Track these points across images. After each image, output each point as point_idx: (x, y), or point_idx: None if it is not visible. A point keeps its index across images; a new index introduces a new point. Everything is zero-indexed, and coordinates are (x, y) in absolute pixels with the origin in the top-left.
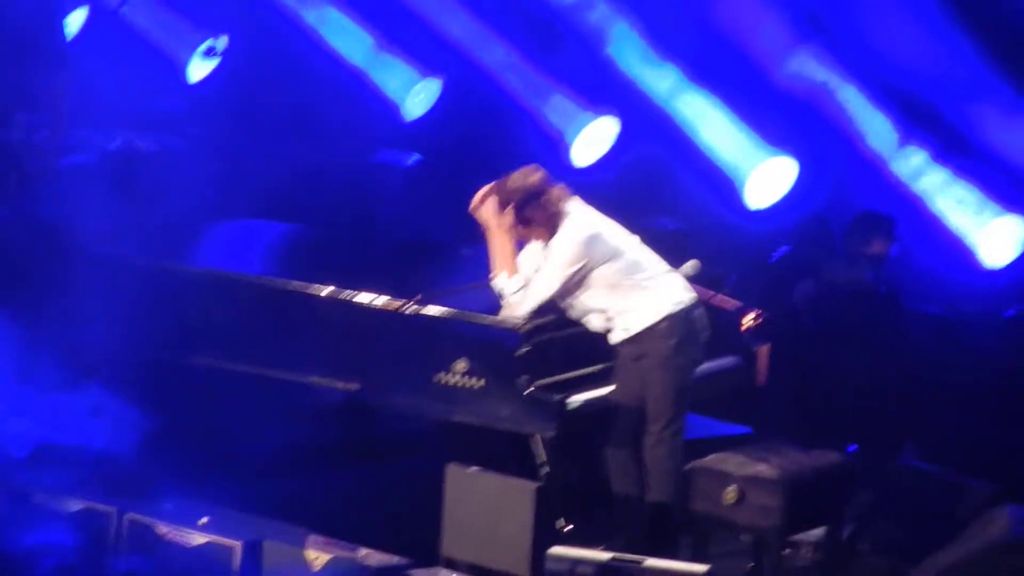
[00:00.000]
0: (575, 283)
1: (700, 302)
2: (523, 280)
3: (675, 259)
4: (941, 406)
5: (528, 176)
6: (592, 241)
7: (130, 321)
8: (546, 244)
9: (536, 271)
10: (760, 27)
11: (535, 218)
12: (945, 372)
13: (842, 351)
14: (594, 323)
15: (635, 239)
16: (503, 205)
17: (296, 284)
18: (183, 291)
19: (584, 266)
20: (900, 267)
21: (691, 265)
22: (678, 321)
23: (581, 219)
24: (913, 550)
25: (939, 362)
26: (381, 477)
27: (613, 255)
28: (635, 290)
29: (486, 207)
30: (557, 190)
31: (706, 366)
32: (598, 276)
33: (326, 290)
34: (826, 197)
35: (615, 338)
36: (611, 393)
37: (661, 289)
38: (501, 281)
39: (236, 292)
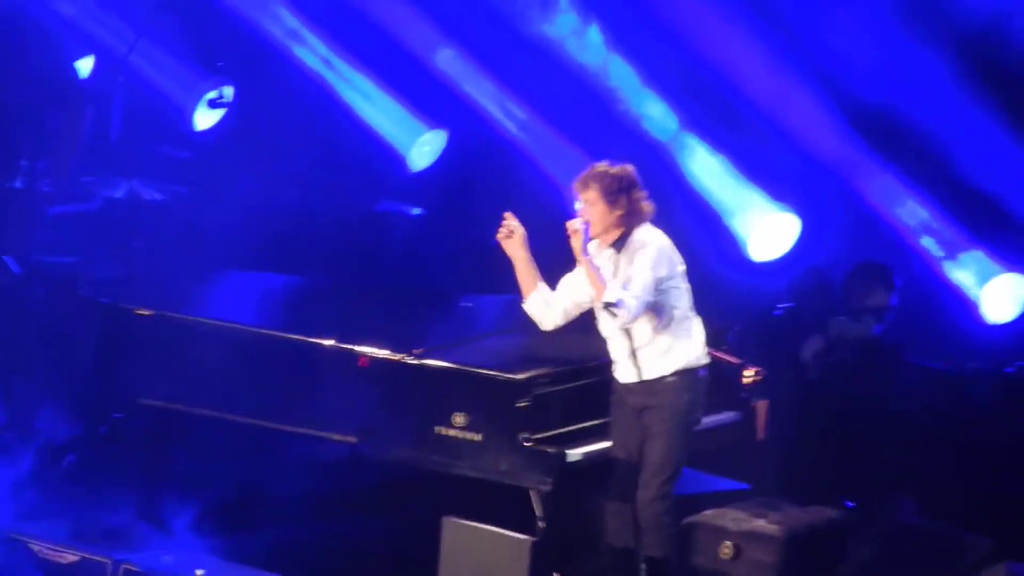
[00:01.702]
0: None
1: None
2: (619, 286)
3: None
4: (941, 461)
5: (621, 167)
6: (672, 252)
7: (129, 370)
8: (614, 246)
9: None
10: (755, 72)
11: (622, 204)
12: (946, 427)
13: (845, 406)
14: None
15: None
16: (590, 182)
17: (297, 336)
18: (186, 341)
19: (666, 275)
20: (901, 320)
21: None
22: (695, 377)
23: (658, 231)
24: None
25: (940, 417)
26: (378, 528)
27: (680, 276)
28: (682, 323)
29: (515, 238)
30: (638, 198)
31: (706, 421)
32: (669, 288)
33: (327, 341)
34: (828, 252)
35: (629, 376)
36: (611, 444)
37: (696, 335)
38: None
39: (237, 342)
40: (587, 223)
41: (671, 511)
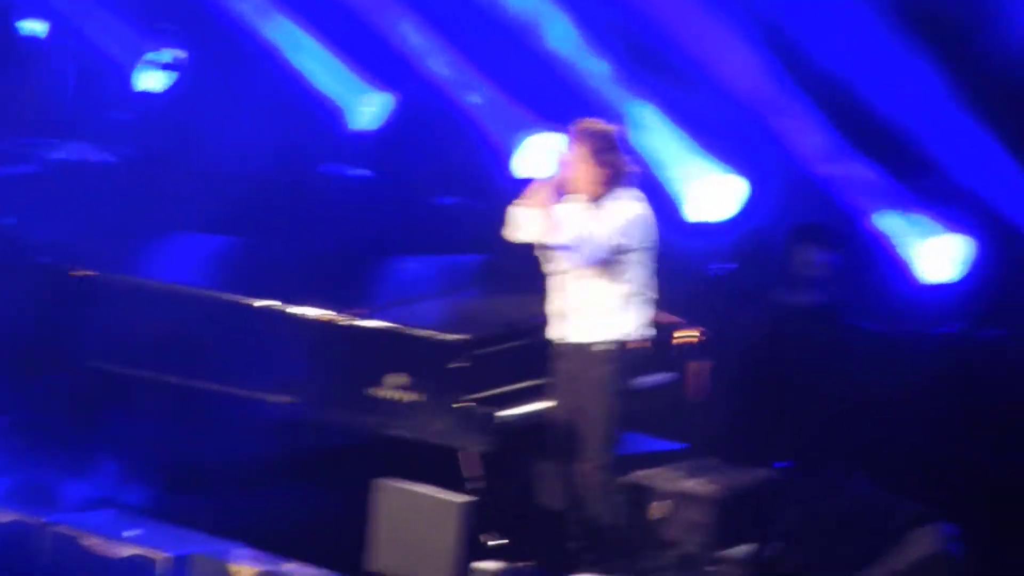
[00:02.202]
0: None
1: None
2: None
3: None
4: (874, 422)
5: (614, 128)
6: (645, 226)
7: (67, 331)
8: (593, 202)
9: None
10: (711, 38)
11: (608, 164)
12: (879, 388)
13: (784, 370)
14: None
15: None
16: (580, 138)
17: (231, 296)
18: (119, 301)
19: (629, 244)
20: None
21: None
22: (623, 351)
23: (642, 199)
24: (841, 567)
25: (873, 378)
26: (311, 490)
27: (643, 252)
28: (629, 299)
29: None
30: (621, 162)
31: (641, 380)
32: (629, 259)
33: (260, 302)
34: (768, 213)
35: (558, 334)
36: (549, 406)
37: (637, 315)
38: (564, 237)
39: (172, 303)
40: (563, 176)
41: (611, 481)
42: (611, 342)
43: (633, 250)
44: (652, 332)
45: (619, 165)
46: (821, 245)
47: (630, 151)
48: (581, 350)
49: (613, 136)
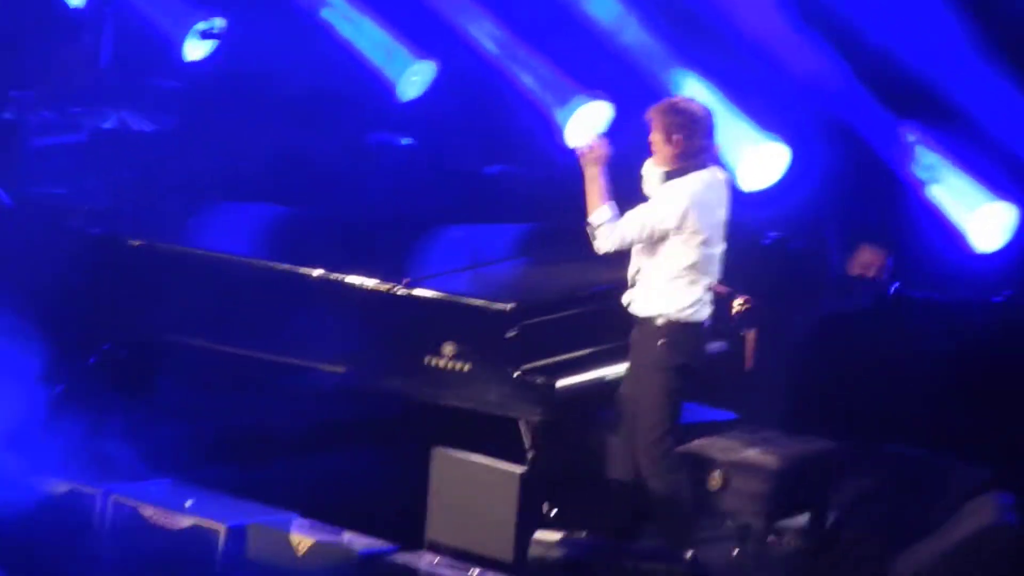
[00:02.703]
0: (658, 236)
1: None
2: (611, 212)
3: None
4: (930, 390)
5: (697, 108)
6: (696, 208)
7: (119, 301)
8: (663, 174)
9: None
10: (754, 12)
11: (676, 144)
12: (934, 356)
13: (833, 339)
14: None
15: (721, 247)
16: (658, 114)
17: (285, 265)
18: (173, 271)
19: (672, 227)
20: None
21: None
22: (674, 328)
23: (701, 183)
24: (899, 537)
25: (928, 346)
26: (367, 460)
27: (692, 235)
28: (674, 280)
29: (597, 158)
30: (705, 142)
31: (697, 355)
32: (672, 243)
33: (316, 272)
34: (817, 183)
35: (625, 299)
36: (606, 375)
37: (685, 297)
38: (593, 216)
39: (226, 273)
40: (600, 146)
41: (666, 454)
42: (661, 316)
43: (678, 233)
44: (707, 312)
45: (689, 144)
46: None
47: (708, 131)
48: (639, 320)
49: (690, 115)
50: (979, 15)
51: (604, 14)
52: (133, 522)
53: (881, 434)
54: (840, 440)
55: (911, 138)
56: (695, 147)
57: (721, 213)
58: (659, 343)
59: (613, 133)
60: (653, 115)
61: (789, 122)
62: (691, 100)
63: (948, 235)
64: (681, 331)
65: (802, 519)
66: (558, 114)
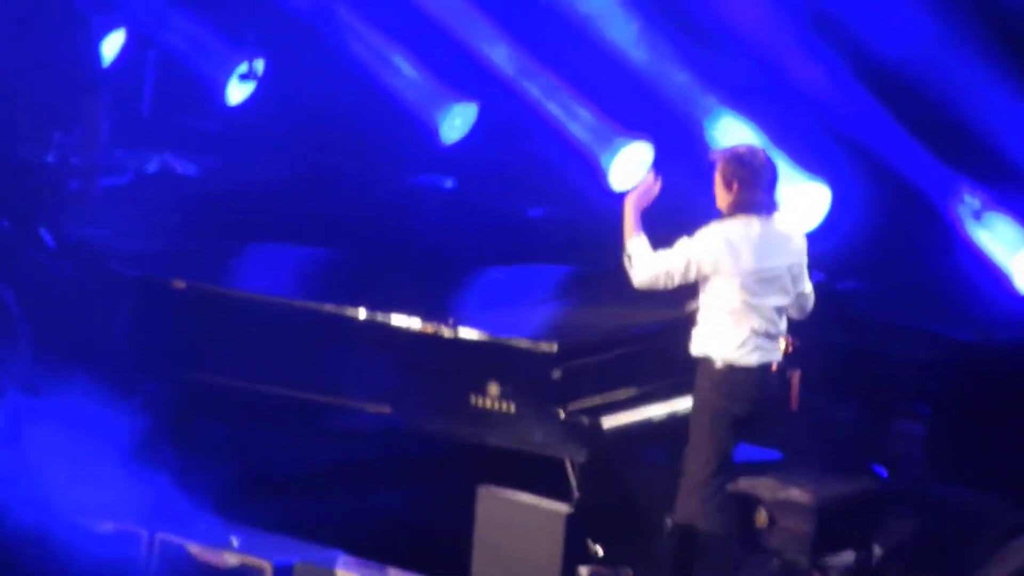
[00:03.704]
0: (696, 277)
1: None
2: (643, 244)
3: None
4: (976, 431)
5: (760, 161)
6: (727, 249)
7: (165, 342)
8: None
9: None
10: (794, 54)
11: (731, 191)
12: (977, 397)
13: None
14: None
15: (778, 297)
16: (716, 159)
17: (331, 307)
18: (218, 313)
19: (708, 272)
20: (929, 291)
21: None
22: (723, 373)
23: (743, 227)
24: (944, 574)
25: (972, 388)
26: (413, 498)
27: (730, 277)
28: (722, 321)
29: (645, 197)
30: (763, 195)
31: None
32: (715, 285)
33: (360, 312)
34: (856, 221)
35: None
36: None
37: (733, 338)
38: (630, 244)
39: (271, 314)
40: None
41: (712, 495)
42: (708, 357)
43: (715, 275)
44: (761, 358)
45: (747, 194)
46: None
47: (768, 184)
48: (695, 359)
49: (751, 166)
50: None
51: (644, 57)
52: (179, 560)
53: (924, 475)
54: (884, 479)
55: (956, 181)
56: (752, 199)
57: (773, 263)
58: (706, 383)
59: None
60: (718, 159)
61: (830, 162)
62: (757, 151)
63: (993, 277)
64: (728, 374)
65: (847, 557)
66: (601, 156)
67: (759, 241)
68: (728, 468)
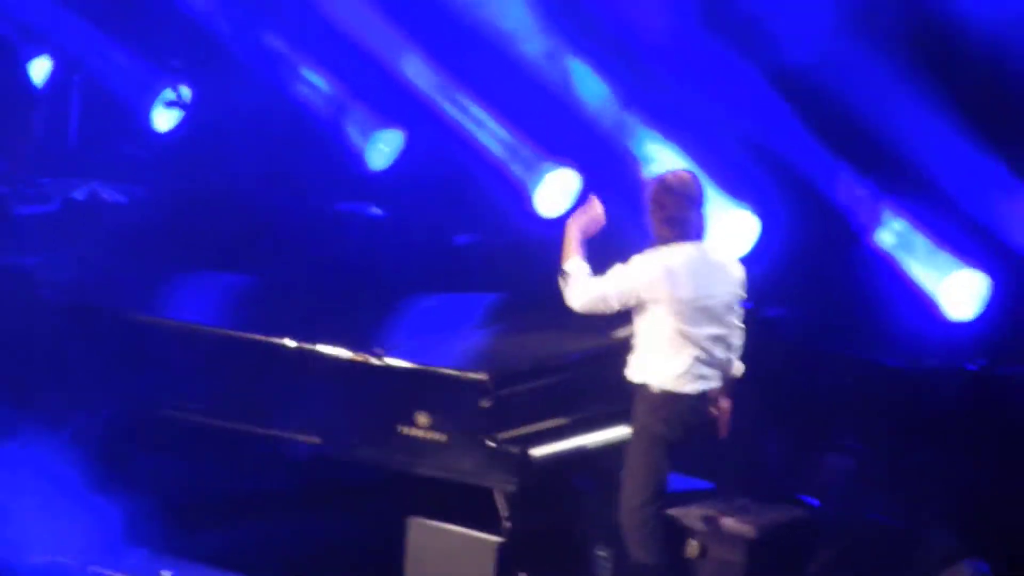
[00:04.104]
0: (634, 303)
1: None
2: (587, 267)
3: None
4: (903, 459)
5: (671, 181)
6: (665, 276)
7: (91, 372)
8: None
9: None
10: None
11: (654, 216)
12: (907, 425)
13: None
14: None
15: (713, 327)
16: (648, 189)
17: (257, 335)
18: (147, 342)
19: (644, 299)
20: (858, 317)
21: None
22: (657, 397)
23: (677, 253)
24: None
25: (901, 415)
26: (344, 528)
27: (667, 305)
28: (659, 349)
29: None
30: (681, 214)
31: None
32: (651, 312)
33: (288, 342)
34: (782, 246)
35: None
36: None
37: (671, 368)
38: (567, 264)
39: (197, 343)
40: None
41: (644, 523)
42: (644, 384)
43: (653, 303)
44: (699, 386)
45: (665, 218)
46: None
47: (688, 202)
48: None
49: (670, 187)
50: (944, 80)
51: (572, 82)
52: None
53: (855, 503)
54: (815, 508)
55: (880, 205)
56: (684, 222)
57: (711, 291)
58: (643, 408)
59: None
60: (647, 188)
61: (755, 187)
62: (682, 174)
63: (919, 303)
64: (665, 400)
65: None
66: (527, 182)
67: (697, 269)
68: (662, 495)
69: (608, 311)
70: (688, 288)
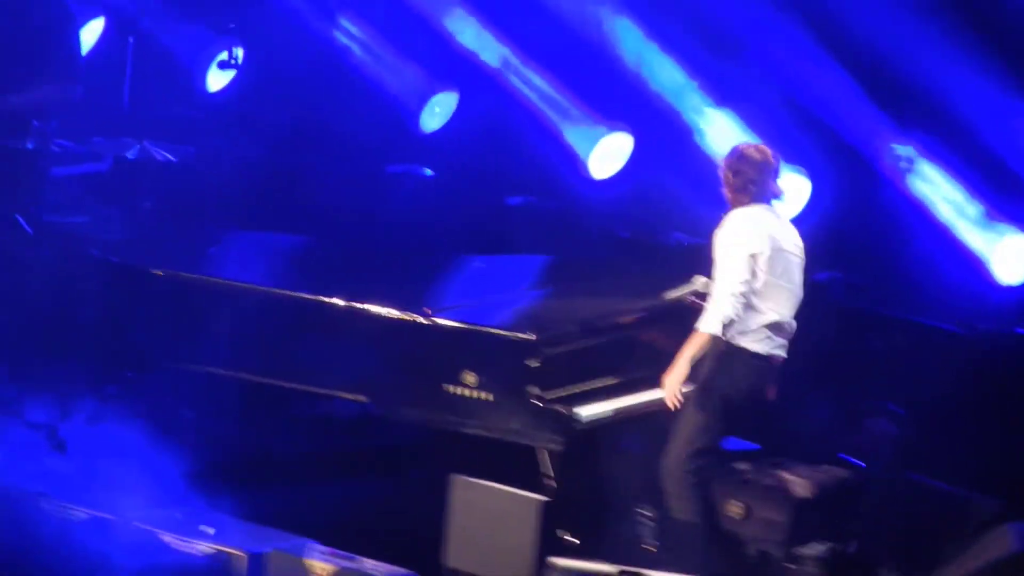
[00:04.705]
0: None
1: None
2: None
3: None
4: (951, 422)
5: (748, 150)
6: (755, 228)
7: (140, 329)
8: None
9: None
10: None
11: (729, 184)
12: (956, 388)
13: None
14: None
15: (792, 285)
16: (724, 161)
17: (307, 295)
18: (194, 300)
19: (751, 248)
20: (909, 282)
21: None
22: (734, 357)
23: (758, 210)
24: (917, 566)
25: (951, 378)
26: (387, 487)
27: (768, 255)
28: (729, 299)
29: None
30: (757, 178)
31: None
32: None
33: (337, 301)
34: (838, 213)
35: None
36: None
37: (759, 323)
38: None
39: (246, 302)
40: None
41: (690, 479)
42: (715, 337)
43: (757, 256)
44: (768, 348)
45: (741, 184)
46: None
47: (764, 172)
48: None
49: (746, 157)
50: (1001, 49)
51: (628, 46)
52: (154, 548)
53: (902, 463)
54: (860, 469)
55: (932, 168)
56: (763, 190)
57: (791, 248)
58: (709, 361)
59: (634, 164)
60: (723, 162)
61: (807, 152)
62: (759, 146)
63: (971, 267)
64: (733, 356)
65: (821, 547)
66: (580, 146)
67: (777, 226)
68: (709, 453)
69: (750, 291)
70: (776, 239)
